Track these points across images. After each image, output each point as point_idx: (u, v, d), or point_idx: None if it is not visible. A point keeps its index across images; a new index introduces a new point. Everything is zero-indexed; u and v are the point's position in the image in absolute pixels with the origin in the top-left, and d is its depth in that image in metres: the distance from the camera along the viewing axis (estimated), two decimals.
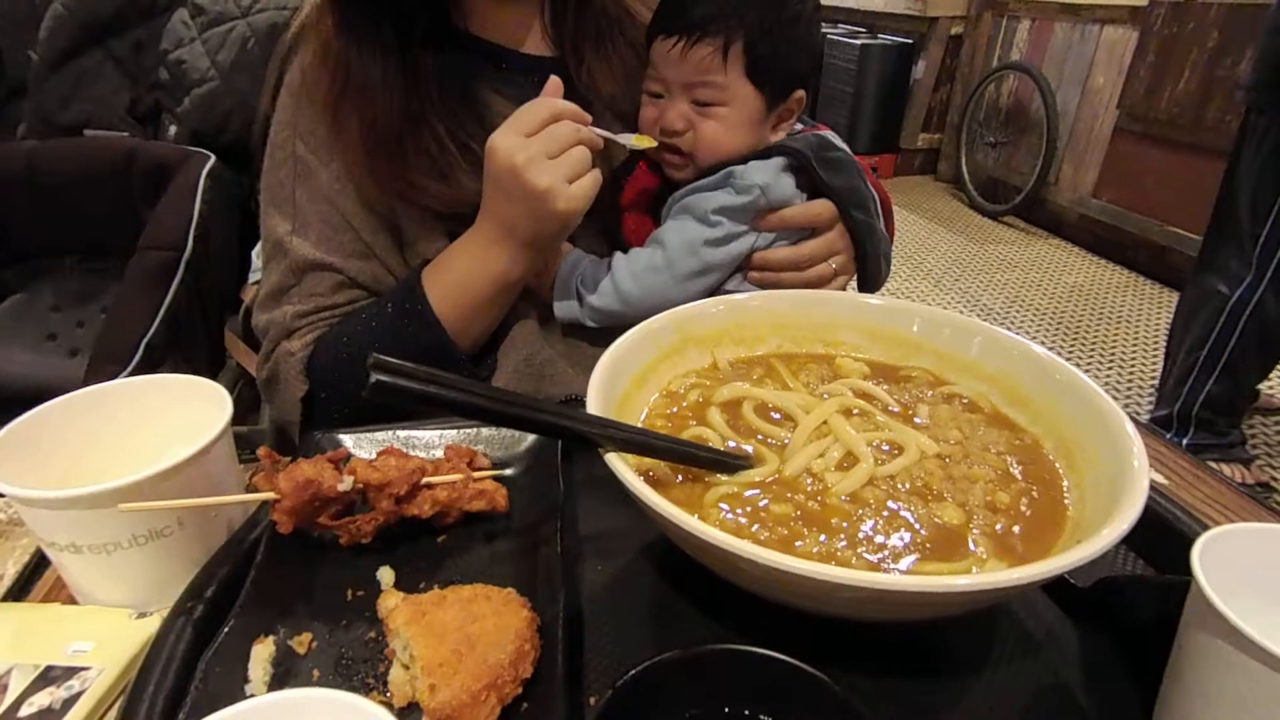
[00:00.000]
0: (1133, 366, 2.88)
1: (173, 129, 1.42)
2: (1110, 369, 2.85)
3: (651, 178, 0.91)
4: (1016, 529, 0.51)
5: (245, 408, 1.34)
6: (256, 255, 1.42)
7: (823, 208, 0.85)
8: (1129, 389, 2.72)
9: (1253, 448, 2.40)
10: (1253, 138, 1.97)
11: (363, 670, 0.48)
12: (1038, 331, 3.12)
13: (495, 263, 0.79)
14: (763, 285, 0.86)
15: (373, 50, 0.81)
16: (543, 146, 0.72)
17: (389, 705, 0.45)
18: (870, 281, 0.91)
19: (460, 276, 0.81)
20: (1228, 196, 2.05)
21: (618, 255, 0.86)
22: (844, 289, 0.90)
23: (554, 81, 0.77)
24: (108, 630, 0.51)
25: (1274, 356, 2.19)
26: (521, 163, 0.71)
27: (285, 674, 0.47)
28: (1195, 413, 2.13)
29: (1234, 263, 2.02)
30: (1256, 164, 1.95)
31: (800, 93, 0.86)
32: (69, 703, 0.46)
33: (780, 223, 0.84)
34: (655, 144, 0.83)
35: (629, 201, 0.92)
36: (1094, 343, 3.05)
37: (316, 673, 0.47)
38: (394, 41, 0.81)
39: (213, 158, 1.32)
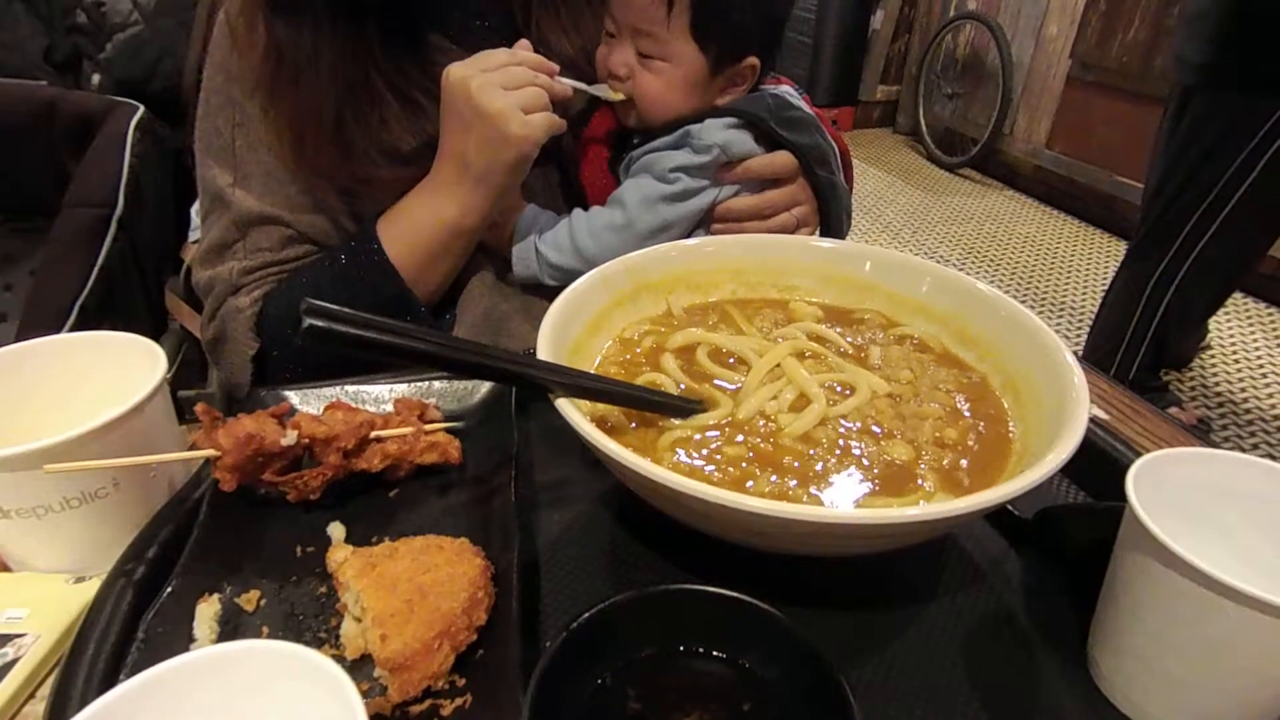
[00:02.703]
0: (1082, 314, 2.96)
1: (96, 77, 1.33)
2: (1060, 317, 2.93)
3: (606, 124, 0.89)
4: (964, 463, 0.52)
5: (192, 371, 1.29)
6: (196, 213, 1.36)
7: (785, 159, 0.84)
8: (1078, 336, 2.80)
9: (1191, 386, 2.50)
10: (1192, 117, 1.83)
11: (314, 625, 0.47)
12: (991, 282, 3.14)
13: (450, 207, 0.77)
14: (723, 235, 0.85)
15: (301, 26, 0.75)
16: (499, 79, 0.72)
17: (341, 659, 0.45)
18: (833, 234, 0.91)
19: (416, 224, 0.78)
20: (1164, 178, 1.95)
21: (576, 212, 0.84)
22: None
23: (523, 42, 0.76)
24: (44, 596, 0.50)
25: (1199, 330, 2.22)
26: (475, 86, 0.71)
27: (233, 631, 0.46)
28: (1129, 379, 2.14)
29: (1160, 245, 1.97)
30: (1197, 147, 1.83)
31: (753, 60, 0.83)
32: (4, 670, 0.44)
33: (745, 173, 0.83)
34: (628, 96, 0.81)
35: (584, 149, 0.89)
36: (1045, 292, 3.12)
37: (266, 629, 0.47)
38: (326, 14, 0.76)
39: (141, 108, 1.24)
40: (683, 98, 0.82)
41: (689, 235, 0.85)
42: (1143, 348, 2.09)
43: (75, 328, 1.10)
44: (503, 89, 0.71)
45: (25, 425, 0.54)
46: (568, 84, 0.76)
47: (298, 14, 0.75)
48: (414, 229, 0.78)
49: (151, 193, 1.24)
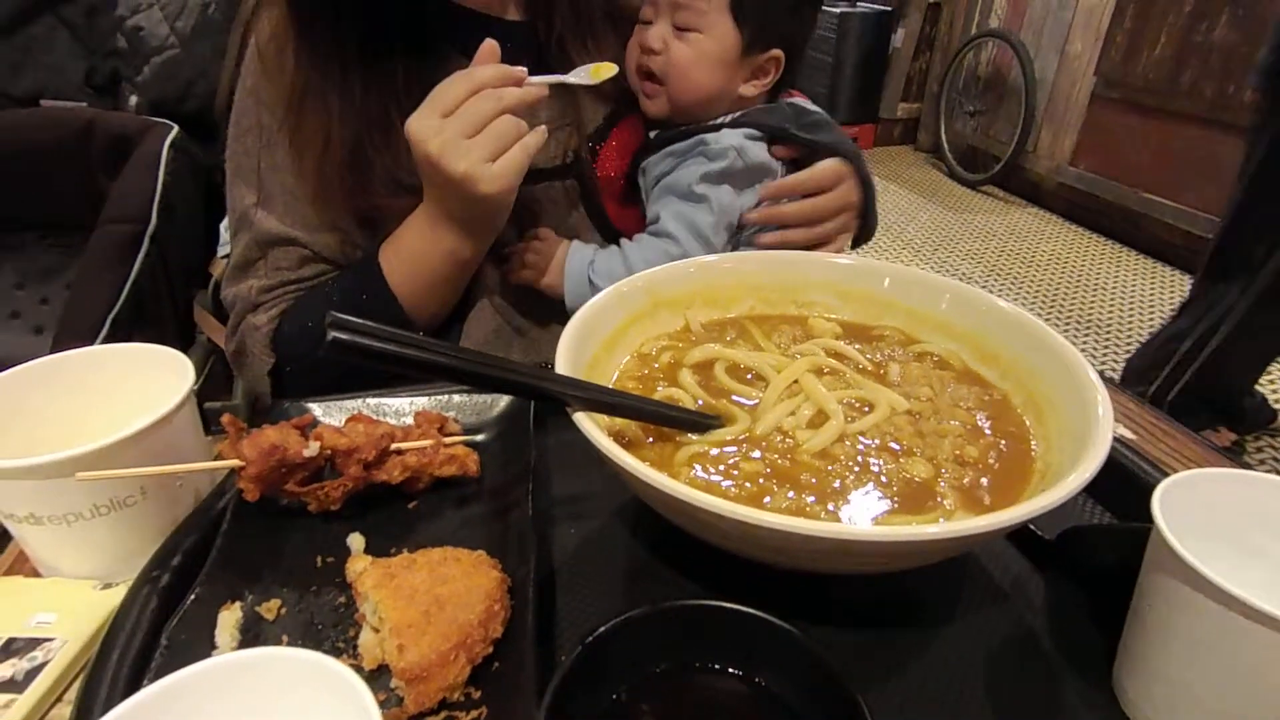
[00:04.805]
0: (1108, 333, 2.91)
1: (133, 99, 1.37)
2: (1088, 335, 2.89)
3: (626, 137, 0.91)
4: (984, 481, 0.52)
5: (218, 383, 1.32)
6: (224, 228, 1.39)
7: (825, 170, 0.85)
8: (1104, 355, 2.76)
9: None
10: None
11: (333, 635, 0.48)
12: (1016, 300, 3.12)
13: (442, 241, 0.77)
14: (772, 244, 0.86)
15: (328, 54, 0.77)
16: (459, 127, 0.68)
17: (359, 669, 0.45)
18: (867, 231, 0.92)
19: (413, 253, 0.79)
20: (1246, 208, 1.85)
21: (626, 245, 0.86)
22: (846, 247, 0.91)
23: (487, 46, 0.72)
24: (72, 601, 0.51)
25: (1256, 371, 2.11)
26: (436, 150, 0.68)
27: (254, 639, 0.47)
28: (1167, 400, 2.02)
29: (1233, 274, 1.88)
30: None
31: (778, 52, 0.86)
32: (32, 673, 0.45)
33: (785, 190, 0.85)
34: (615, 69, 0.79)
35: (604, 162, 0.91)
36: (1071, 310, 3.08)
37: (285, 638, 0.47)
38: (353, 44, 0.77)
39: (175, 128, 1.28)
40: (711, 71, 0.84)
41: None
42: (1190, 370, 1.98)
43: (107, 340, 1.13)
44: (465, 140, 0.68)
45: (57, 434, 0.56)
46: (540, 82, 0.72)
47: (325, 43, 0.77)
48: (412, 257, 0.79)
49: (183, 209, 1.27)
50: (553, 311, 0.89)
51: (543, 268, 0.85)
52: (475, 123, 0.68)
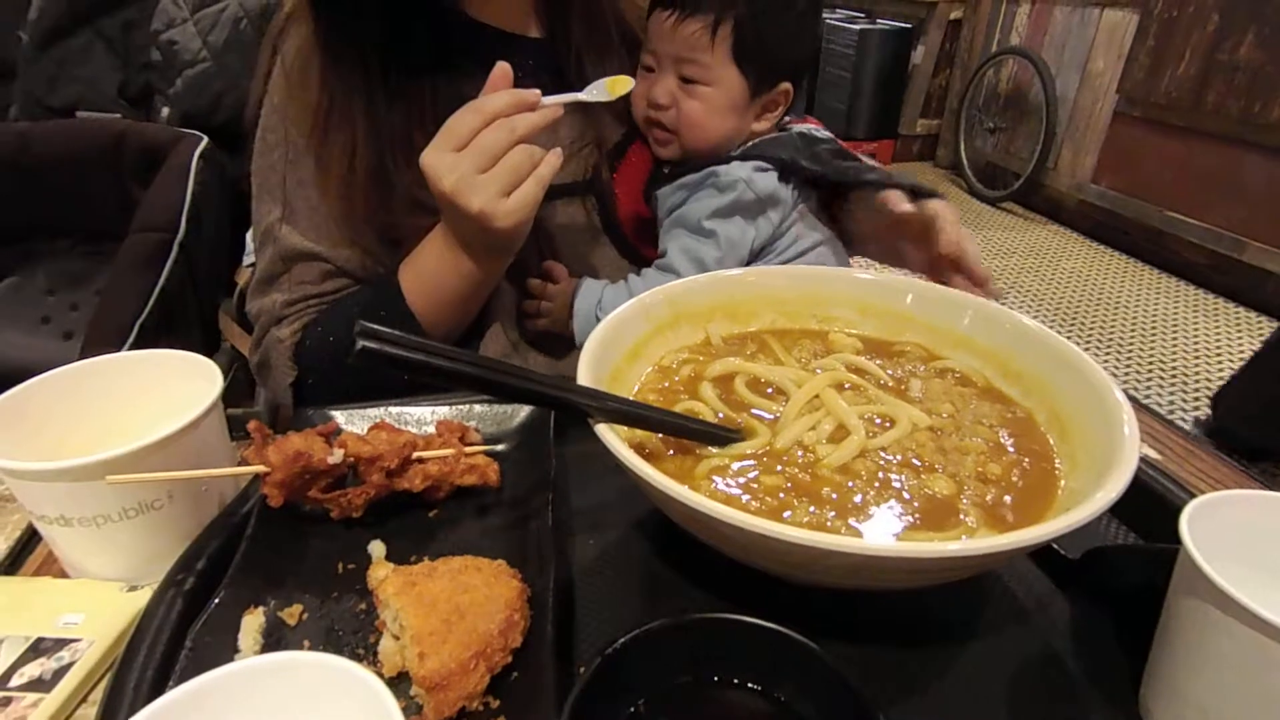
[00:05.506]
0: (1130, 351, 2.88)
1: (165, 110, 1.41)
2: (1109, 354, 2.86)
3: (644, 156, 0.91)
4: (1007, 499, 0.51)
5: (241, 390, 1.33)
6: (251, 238, 1.42)
7: (944, 214, 0.80)
8: (1127, 374, 2.73)
9: None
10: None
11: (353, 641, 0.48)
12: (1036, 317, 3.10)
13: (459, 264, 0.78)
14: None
15: (353, 73, 0.78)
16: (472, 162, 0.68)
17: (379, 676, 0.45)
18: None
19: (430, 273, 0.80)
20: None
21: (634, 282, 0.86)
22: None
23: (498, 71, 0.71)
24: (99, 603, 0.51)
25: None
26: (450, 188, 0.68)
27: (275, 644, 0.47)
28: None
29: None
30: None
31: (787, 85, 0.86)
32: (59, 673, 0.46)
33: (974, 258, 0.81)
34: (632, 83, 0.78)
35: (622, 182, 0.91)
36: (1092, 328, 3.05)
37: (307, 643, 0.47)
38: (377, 62, 0.78)
39: (205, 139, 1.30)
40: (723, 120, 0.84)
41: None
42: None
43: (134, 346, 1.15)
44: (478, 175, 0.68)
45: (88, 438, 0.57)
46: (554, 102, 0.72)
47: (349, 61, 0.78)
48: (430, 277, 0.80)
49: (211, 218, 1.30)
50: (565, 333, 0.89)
51: (562, 316, 0.86)
52: (488, 157, 0.68)
